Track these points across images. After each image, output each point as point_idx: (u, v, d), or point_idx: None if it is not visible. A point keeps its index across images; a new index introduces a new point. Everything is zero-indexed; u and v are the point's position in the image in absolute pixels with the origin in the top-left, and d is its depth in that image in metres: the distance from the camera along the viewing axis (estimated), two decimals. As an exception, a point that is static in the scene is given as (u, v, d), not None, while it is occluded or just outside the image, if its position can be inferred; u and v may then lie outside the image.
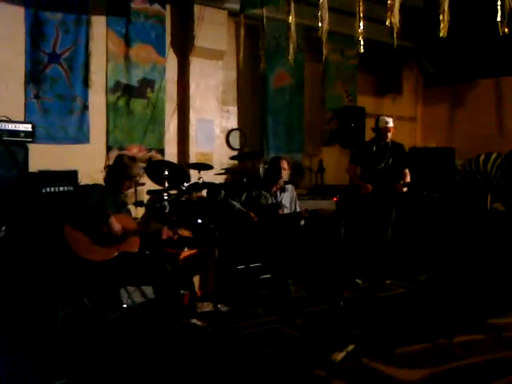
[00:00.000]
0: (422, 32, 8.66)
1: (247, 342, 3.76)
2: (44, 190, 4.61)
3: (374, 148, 5.56)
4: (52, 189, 4.64)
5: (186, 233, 3.96)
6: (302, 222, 4.96)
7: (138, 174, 4.13)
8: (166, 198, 4.60)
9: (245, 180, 5.29)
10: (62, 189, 4.69)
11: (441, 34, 3.83)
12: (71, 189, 4.74)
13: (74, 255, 3.48)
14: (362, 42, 4.45)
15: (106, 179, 4.04)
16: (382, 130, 5.54)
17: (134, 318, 3.75)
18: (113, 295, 3.79)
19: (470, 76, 8.80)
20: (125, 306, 3.82)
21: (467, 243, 5.86)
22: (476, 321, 4.14)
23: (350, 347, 3.59)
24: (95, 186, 4.01)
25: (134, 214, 5.42)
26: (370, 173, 5.52)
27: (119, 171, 3.95)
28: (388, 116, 5.70)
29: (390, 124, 5.53)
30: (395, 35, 4.35)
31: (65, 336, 3.58)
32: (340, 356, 3.47)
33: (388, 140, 5.55)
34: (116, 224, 3.71)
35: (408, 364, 3.46)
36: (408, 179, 5.56)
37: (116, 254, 3.65)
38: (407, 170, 5.60)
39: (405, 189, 5.47)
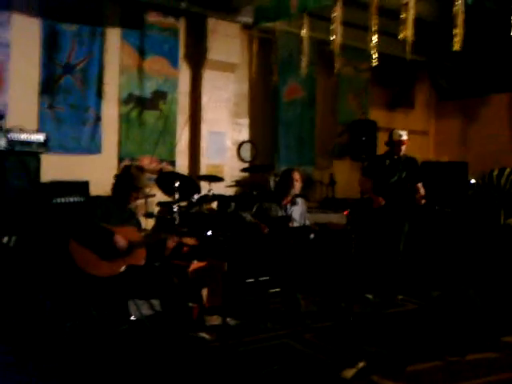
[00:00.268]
0: (434, 46, 8.64)
1: (255, 356, 3.71)
2: (54, 201, 4.60)
3: (387, 162, 5.52)
4: (63, 199, 4.64)
5: (190, 241, 3.91)
6: (312, 236, 4.92)
7: (146, 186, 4.09)
8: (175, 209, 4.57)
9: (255, 192, 5.26)
10: (72, 199, 4.68)
11: (454, 48, 3.81)
12: (82, 199, 4.72)
13: (79, 270, 3.44)
14: (374, 56, 4.44)
15: (113, 189, 3.99)
16: (395, 143, 5.51)
17: (141, 331, 3.72)
18: (121, 307, 3.76)
19: (483, 91, 8.74)
20: (133, 318, 3.78)
21: (480, 259, 5.77)
22: (489, 338, 4.06)
23: (361, 364, 3.53)
24: (101, 200, 3.96)
25: (144, 225, 5.45)
26: (382, 186, 5.47)
27: (126, 182, 3.91)
28: (402, 130, 5.66)
29: (404, 137, 5.49)
30: (408, 49, 4.34)
31: (71, 348, 3.55)
32: (351, 373, 3.41)
33: (401, 154, 5.51)
34: (121, 240, 3.65)
35: (419, 382, 3.39)
36: (422, 193, 5.49)
37: (123, 268, 3.60)
38: (420, 184, 5.54)
39: (423, 201, 5.39)
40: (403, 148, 5.50)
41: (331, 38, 5.37)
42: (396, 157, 5.51)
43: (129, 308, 3.78)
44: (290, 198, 4.89)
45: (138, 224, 4.12)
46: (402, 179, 5.49)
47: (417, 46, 6.58)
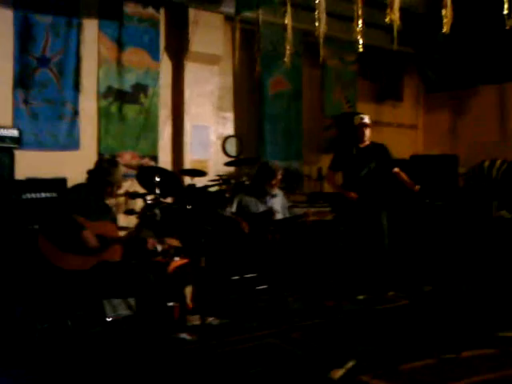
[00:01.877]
0: (422, 37, 8.53)
1: (239, 357, 3.51)
2: (25, 197, 4.36)
3: (354, 150, 5.28)
4: (33, 195, 4.40)
5: (174, 242, 3.73)
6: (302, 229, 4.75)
7: (120, 180, 3.89)
8: (149, 201, 4.36)
9: (232, 181, 5.06)
10: (44, 195, 4.44)
11: (444, 30, 3.63)
12: (54, 195, 4.48)
13: (49, 264, 3.24)
14: (360, 42, 4.25)
15: (86, 185, 3.81)
16: (357, 128, 5.26)
17: (117, 333, 3.50)
18: (95, 307, 3.54)
19: (472, 82, 8.62)
20: (109, 319, 3.56)
21: (473, 252, 5.62)
22: (485, 334, 3.89)
23: (350, 363, 3.35)
24: (79, 188, 3.76)
25: (126, 223, 5.23)
26: (352, 179, 5.25)
27: (99, 177, 3.73)
28: (365, 115, 5.42)
29: (366, 120, 5.25)
30: (395, 33, 4.16)
31: (42, 352, 3.32)
32: (339, 373, 3.23)
33: (366, 139, 5.25)
34: (90, 237, 3.43)
35: (412, 381, 3.21)
36: (405, 177, 5.26)
37: (95, 263, 3.40)
38: (397, 169, 5.31)
39: (416, 186, 5.17)
40: (367, 133, 5.25)
41: (316, 24, 5.17)
42: (362, 145, 5.26)
43: (104, 308, 3.55)
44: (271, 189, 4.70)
45: (114, 220, 3.92)
46: (372, 170, 5.25)
47: (404, 37, 6.44)
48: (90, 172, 3.84)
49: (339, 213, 5.19)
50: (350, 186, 5.25)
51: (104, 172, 3.71)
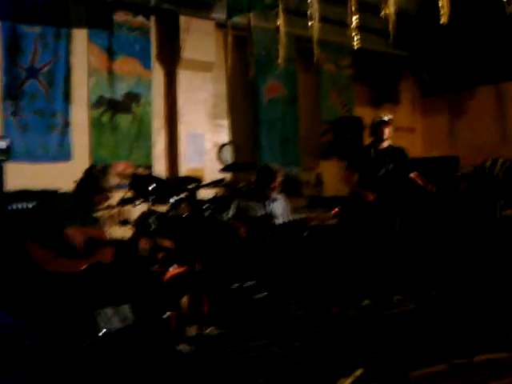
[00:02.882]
0: (416, 40, 8.47)
1: (240, 368, 3.34)
2: (10, 207, 4.20)
3: (372, 152, 5.17)
4: (19, 205, 4.24)
5: (167, 243, 3.57)
6: (306, 233, 4.58)
7: (111, 187, 3.73)
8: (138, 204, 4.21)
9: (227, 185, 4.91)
10: (30, 205, 4.28)
11: (442, 21, 3.50)
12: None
13: (40, 270, 3.08)
14: (356, 38, 4.13)
15: (75, 195, 3.66)
16: (377, 126, 5.14)
17: (110, 346, 3.31)
18: (88, 320, 3.35)
19: (468, 84, 8.54)
20: (101, 332, 3.37)
21: (480, 253, 5.45)
22: (497, 337, 3.72)
23: (358, 372, 3.18)
24: (65, 196, 3.66)
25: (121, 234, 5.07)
26: (369, 181, 5.12)
27: (89, 185, 3.60)
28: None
29: (386, 118, 5.12)
30: (391, 28, 4.04)
31: (32, 369, 3.13)
32: (347, 382, 3.06)
33: (385, 138, 5.13)
34: (74, 235, 3.32)
35: (424, 389, 3.05)
36: (422, 182, 5.12)
37: (86, 265, 3.25)
38: (414, 175, 5.17)
39: (433, 189, 5.03)
40: (387, 131, 5.12)
41: (309, 28, 5.07)
42: (381, 147, 5.16)
43: (96, 321, 3.36)
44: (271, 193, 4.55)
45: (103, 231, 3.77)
46: (390, 171, 5.13)
47: (399, 40, 6.35)
48: (79, 180, 3.72)
49: (346, 216, 5.02)
50: (366, 187, 5.11)
51: (93, 178, 3.59)
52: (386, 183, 5.10)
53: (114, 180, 3.87)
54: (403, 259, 5.32)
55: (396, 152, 5.23)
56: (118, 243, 3.52)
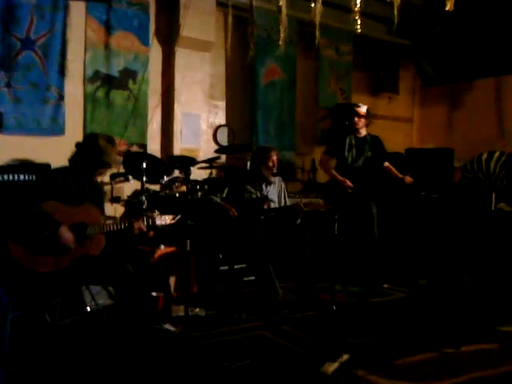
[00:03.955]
0: (419, 30, 8.38)
1: (226, 350, 3.31)
2: (4, 178, 4.06)
3: (351, 140, 5.20)
4: (10, 177, 4.12)
5: (168, 219, 3.39)
6: (299, 221, 4.53)
7: (115, 161, 3.52)
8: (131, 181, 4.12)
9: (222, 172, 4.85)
10: (21, 178, 4.17)
11: (447, 8, 3.43)
12: (32, 179, 4.18)
13: (22, 268, 2.95)
14: (358, 22, 4.06)
15: (72, 161, 3.34)
16: (351, 117, 5.19)
17: (97, 322, 3.27)
18: (74, 297, 3.30)
19: (468, 76, 8.48)
20: (88, 308, 3.33)
21: (472, 245, 5.45)
22: (485, 328, 3.71)
23: (344, 357, 3.16)
24: (57, 174, 3.35)
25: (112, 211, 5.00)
26: (347, 167, 5.17)
27: (92, 155, 3.26)
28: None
29: (361, 109, 5.17)
30: (396, 15, 3.97)
31: (13, 344, 3.09)
32: (332, 367, 3.04)
33: (359, 129, 5.16)
34: (65, 234, 3.07)
35: (410, 377, 3.03)
36: (394, 171, 5.23)
37: (69, 261, 3.07)
38: (387, 163, 5.26)
39: (409, 179, 5.12)
40: (360, 123, 5.16)
41: (311, 10, 4.99)
42: (360, 136, 5.18)
43: (83, 297, 3.32)
44: (266, 177, 4.49)
45: (101, 204, 3.55)
46: (367, 159, 5.22)
47: (401, 29, 6.26)
48: (80, 145, 3.36)
49: (333, 203, 5.01)
50: (343, 173, 5.19)
51: (99, 150, 3.26)
52: (362, 171, 5.17)
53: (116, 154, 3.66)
54: (394, 248, 5.33)
55: (374, 141, 5.31)
56: (109, 225, 3.24)
